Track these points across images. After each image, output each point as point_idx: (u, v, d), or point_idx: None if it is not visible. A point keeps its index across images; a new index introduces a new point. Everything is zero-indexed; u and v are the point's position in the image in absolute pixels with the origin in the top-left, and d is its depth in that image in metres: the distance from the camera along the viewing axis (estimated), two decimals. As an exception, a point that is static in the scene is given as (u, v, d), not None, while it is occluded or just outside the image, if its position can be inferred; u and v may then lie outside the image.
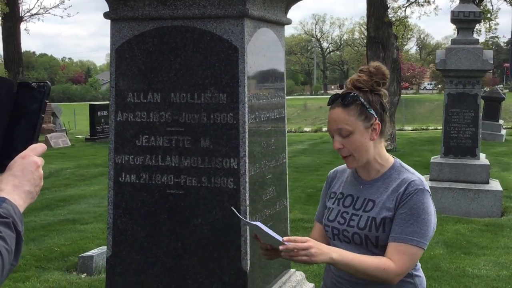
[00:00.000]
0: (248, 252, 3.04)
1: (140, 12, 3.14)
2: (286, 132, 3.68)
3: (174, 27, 3.10)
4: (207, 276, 3.11)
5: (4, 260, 1.41)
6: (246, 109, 3.02)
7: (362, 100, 2.32)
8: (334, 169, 2.65)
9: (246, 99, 3.02)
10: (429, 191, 2.33)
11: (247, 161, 3.02)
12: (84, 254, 6.48)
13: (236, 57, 3.01)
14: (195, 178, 3.10)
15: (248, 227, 2.63)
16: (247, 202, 3.03)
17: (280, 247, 2.16)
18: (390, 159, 2.44)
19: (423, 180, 2.35)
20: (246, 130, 3.02)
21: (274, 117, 3.43)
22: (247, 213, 3.03)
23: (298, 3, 3.68)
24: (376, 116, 2.34)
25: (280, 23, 3.49)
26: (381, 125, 2.36)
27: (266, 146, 3.31)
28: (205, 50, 3.06)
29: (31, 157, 1.54)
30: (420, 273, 2.43)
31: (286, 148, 3.66)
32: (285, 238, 2.15)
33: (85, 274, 6.29)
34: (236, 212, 2.49)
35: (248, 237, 3.03)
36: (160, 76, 3.14)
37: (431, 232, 2.31)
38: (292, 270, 3.77)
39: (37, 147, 1.57)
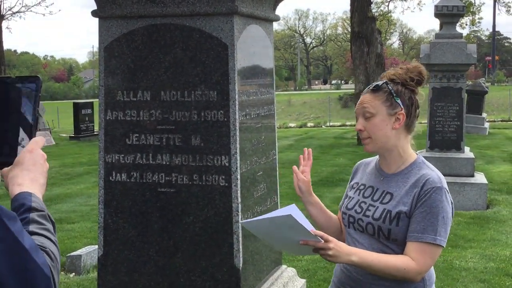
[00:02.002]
0: (241, 249, 3.04)
1: (129, 10, 3.13)
2: (276, 128, 3.68)
3: (163, 25, 3.09)
4: (200, 274, 3.11)
5: (58, 250, 1.45)
6: (237, 106, 3.02)
7: (390, 87, 2.41)
8: (360, 161, 2.71)
9: (236, 96, 3.01)
10: (447, 188, 2.37)
11: (238, 158, 3.02)
12: (72, 254, 6.45)
13: (226, 54, 3.01)
14: (187, 176, 3.09)
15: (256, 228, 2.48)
16: (239, 200, 3.03)
17: (301, 242, 2.19)
18: (413, 155, 2.49)
19: (441, 178, 2.39)
20: (237, 127, 3.02)
21: (264, 114, 3.43)
22: (239, 211, 3.03)
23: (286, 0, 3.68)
24: (402, 107, 2.40)
25: (268, 20, 3.49)
26: (406, 117, 2.41)
27: (256, 143, 3.31)
28: (194, 48, 3.05)
29: (38, 150, 1.55)
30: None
31: (276, 144, 3.66)
32: (312, 231, 2.18)
33: (74, 273, 6.26)
34: (245, 221, 2.39)
35: (241, 234, 3.03)
36: (150, 74, 3.12)
37: (449, 229, 2.35)
38: (284, 266, 3.78)
39: (39, 141, 1.58)
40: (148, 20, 3.11)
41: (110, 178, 3.23)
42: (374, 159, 2.62)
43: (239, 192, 3.03)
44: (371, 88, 2.44)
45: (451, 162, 9.21)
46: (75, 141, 21.57)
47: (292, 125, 30.20)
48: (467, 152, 9.65)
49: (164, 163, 3.12)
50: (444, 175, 8.68)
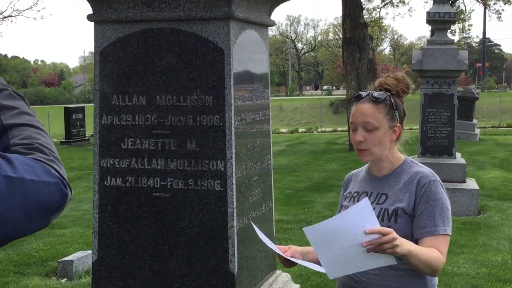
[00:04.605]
0: (236, 255, 3.04)
1: (125, 15, 3.12)
2: (271, 133, 3.68)
3: (159, 29, 3.08)
4: (195, 279, 3.10)
5: (42, 127, 1.41)
6: (232, 111, 3.02)
7: (391, 100, 2.44)
8: (350, 173, 2.77)
9: (232, 101, 3.01)
10: (440, 181, 2.46)
11: (233, 163, 3.02)
12: (64, 259, 6.41)
13: (222, 59, 3.01)
14: (182, 181, 3.08)
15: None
16: (234, 204, 3.03)
17: (363, 244, 2.14)
18: (402, 157, 2.56)
19: (433, 172, 2.48)
20: (233, 132, 3.02)
21: (259, 119, 3.43)
22: (234, 215, 3.02)
23: (280, 5, 3.69)
24: (398, 119, 2.47)
25: (264, 25, 3.49)
26: (400, 128, 2.49)
27: (251, 148, 3.31)
28: (190, 52, 3.05)
29: None
30: None
31: (271, 149, 3.66)
32: (367, 230, 2.15)
33: (65, 279, 6.22)
34: (255, 226, 2.50)
35: (236, 239, 3.03)
36: (145, 78, 3.12)
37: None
38: (278, 271, 3.77)
39: None
40: (144, 24, 3.11)
41: (105, 182, 3.21)
42: (364, 168, 2.69)
43: (234, 197, 3.03)
44: (371, 97, 2.44)
45: (443, 168, 9.24)
46: (66, 146, 21.51)
47: (283, 130, 30.25)
48: (459, 158, 9.70)
49: (159, 167, 3.11)
50: (437, 180, 8.54)
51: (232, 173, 3.02)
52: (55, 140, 23.88)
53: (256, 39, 3.40)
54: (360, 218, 2.17)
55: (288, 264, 2.56)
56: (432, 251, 2.34)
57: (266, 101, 3.56)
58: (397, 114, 2.45)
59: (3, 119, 1.37)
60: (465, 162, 9.63)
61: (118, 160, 3.18)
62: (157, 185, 3.12)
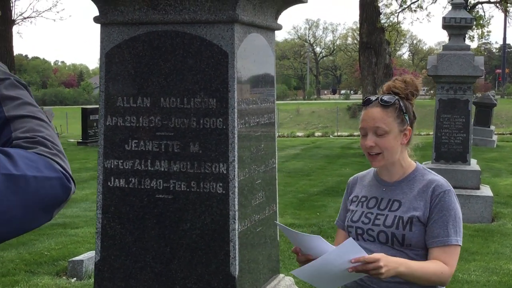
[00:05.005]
0: (237, 257, 3.04)
1: (131, 17, 3.14)
2: (276, 137, 3.68)
3: (164, 32, 3.10)
4: (196, 281, 3.11)
5: (45, 119, 1.38)
6: (236, 114, 3.02)
7: (401, 104, 2.44)
8: (354, 175, 2.74)
9: (235, 104, 3.02)
10: (453, 190, 2.46)
11: (236, 166, 3.02)
12: (74, 259, 6.45)
13: (226, 62, 3.02)
14: (184, 183, 3.09)
15: (293, 239, 2.46)
16: (236, 207, 3.03)
17: (349, 270, 2.18)
18: (413, 163, 2.56)
19: (446, 181, 2.47)
20: (236, 135, 3.02)
21: (264, 122, 3.44)
22: (236, 218, 3.03)
23: (290, 9, 3.69)
24: (408, 122, 2.46)
25: (270, 29, 3.49)
26: (411, 131, 2.48)
27: (255, 151, 3.31)
28: (195, 55, 3.06)
29: None
30: None
31: (276, 153, 3.66)
32: (353, 259, 2.16)
33: (75, 278, 6.26)
34: (286, 227, 2.37)
35: (237, 242, 3.03)
36: (150, 80, 3.13)
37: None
38: (281, 275, 3.76)
39: None
40: (149, 27, 3.13)
41: (109, 183, 3.23)
42: (370, 171, 2.65)
43: (236, 199, 3.03)
44: (380, 102, 2.43)
45: (457, 174, 9.16)
46: (83, 147, 21.64)
47: (299, 134, 30.20)
48: (473, 165, 9.60)
49: (162, 169, 3.12)
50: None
51: (234, 176, 3.02)
52: (72, 140, 24.07)
53: (262, 42, 3.41)
54: (348, 255, 2.17)
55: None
56: (433, 265, 2.32)
57: (271, 105, 3.56)
58: (407, 117, 2.44)
59: (5, 110, 1.34)
60: (480, 169, 9.53)
61: (122, 161, 3.20)
62: (160, 187, 3.13)
